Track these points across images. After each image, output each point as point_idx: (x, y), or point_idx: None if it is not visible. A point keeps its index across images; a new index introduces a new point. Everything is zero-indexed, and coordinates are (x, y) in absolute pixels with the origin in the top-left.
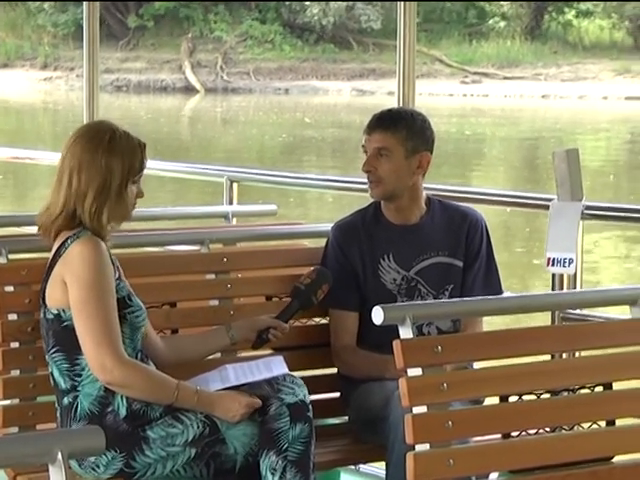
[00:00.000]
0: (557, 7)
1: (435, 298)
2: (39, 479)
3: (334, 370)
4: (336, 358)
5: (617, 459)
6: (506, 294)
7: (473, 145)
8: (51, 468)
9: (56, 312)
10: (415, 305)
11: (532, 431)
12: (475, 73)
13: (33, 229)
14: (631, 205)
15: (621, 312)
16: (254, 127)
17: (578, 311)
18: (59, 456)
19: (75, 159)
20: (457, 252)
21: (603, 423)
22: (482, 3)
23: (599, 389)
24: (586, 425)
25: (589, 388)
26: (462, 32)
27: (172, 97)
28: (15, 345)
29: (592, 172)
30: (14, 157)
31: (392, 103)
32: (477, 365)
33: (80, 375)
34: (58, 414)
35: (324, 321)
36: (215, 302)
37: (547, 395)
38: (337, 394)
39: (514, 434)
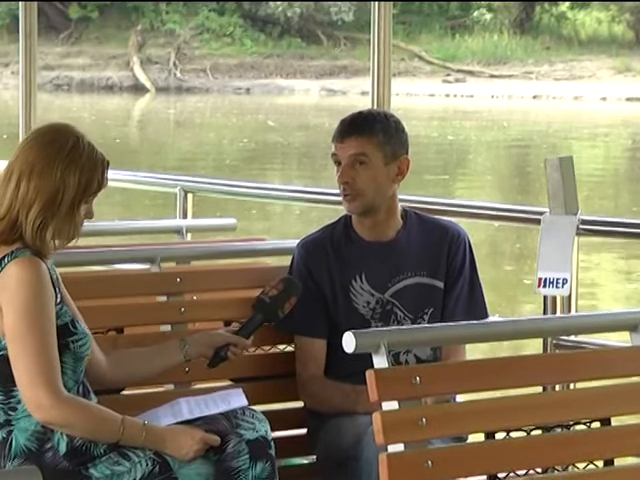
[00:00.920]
0: None
1: (413, 323)
2: None
3: (300, 403)
4: (302, 390)
5: None
6: (492, 318)
7: (456, 151)
8: None
9: None
10: (391, 331)
11: (521, 472)
12: (458, 71)
13: None
14: (633, 220)
15: (620, 339)
16: (211, 131)
17: (573, 338)
18: None
19: (28, 162)
20: (437, 271)
21: (600, 463)
22: None
23: (596, 425)
24: (581, 465)
25: (585, 424)
26: (444, 25)
27: (119, 97)
28: None
29: (589, 182)
30: None
31: (366, 104)
32: (460, 398)
33: (15, 409)
34: None
35: (289, 348)
36: (167, 327)
37: (538, 432)
38: (303, 430)
39: (501, 475)
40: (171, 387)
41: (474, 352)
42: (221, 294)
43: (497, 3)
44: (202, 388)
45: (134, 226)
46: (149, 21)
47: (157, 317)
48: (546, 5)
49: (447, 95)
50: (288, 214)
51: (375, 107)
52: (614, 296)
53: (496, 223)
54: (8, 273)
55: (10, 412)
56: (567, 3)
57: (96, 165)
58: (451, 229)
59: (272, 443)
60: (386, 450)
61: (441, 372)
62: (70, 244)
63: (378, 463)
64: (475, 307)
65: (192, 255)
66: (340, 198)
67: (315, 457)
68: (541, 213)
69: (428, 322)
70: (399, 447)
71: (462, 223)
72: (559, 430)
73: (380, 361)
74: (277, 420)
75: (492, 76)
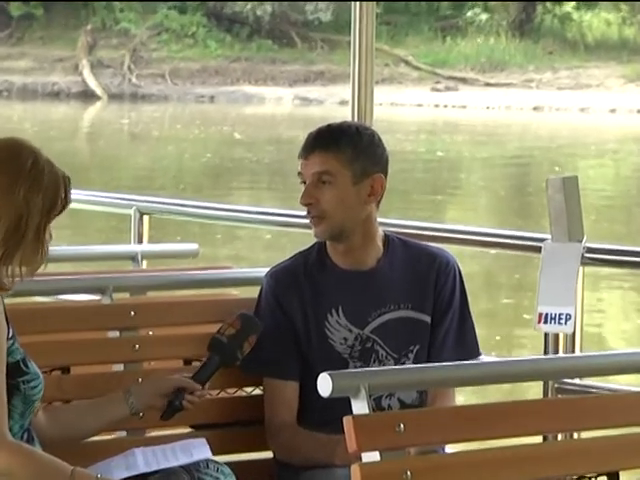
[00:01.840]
0: None
1: (397, 363)
2: None
3: (269, 454)
4: (272, 439)
5: None
6: (486, 358)
7: (447, 169)
8: None
9: None
10: (371, 372)
11: None
12: (449, 78)
13: None
14: None
15: (631, 382)
16: (170, 144)
17: (577, 381)
18: None
19: None
20: (423, 304)
21: None
22: None
23: (603, 479)
24: None
25: (590, 478)
26: (433, 26)
27: (66, 105)
28: None
29: (596, 205)
30: None
31: (345, 115)
32: (449, 448)
33: None
34: None
35: (257, 391)
36: (119, 367)
37: None
38: None
39: None
40: (123, 434)
41: (464, 395)
42: (181, 329)
43: (493, 2)
44: (158, 436)
45: (83, 252)
46: (101, 20)
47: (108, 355)
48: (548, 5)
49: (436, 105)
50: (257, 239)
51: (355, 118)
52: (624, 334)
53: (492, 251)
54: None
55: None
56: (572, 3)
57: (57, 182)
58: (439, 256)
59: None
60: None
61: (428, 419)
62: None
63: None
64: (466, 345)
65: (148, 285)
66: None
67: None
68: (542, 240)
69: (413, 362)
70: None
71: (453, 250)
72: None
73: (360, 406)
74: (244, 473)
75: (487, 84)
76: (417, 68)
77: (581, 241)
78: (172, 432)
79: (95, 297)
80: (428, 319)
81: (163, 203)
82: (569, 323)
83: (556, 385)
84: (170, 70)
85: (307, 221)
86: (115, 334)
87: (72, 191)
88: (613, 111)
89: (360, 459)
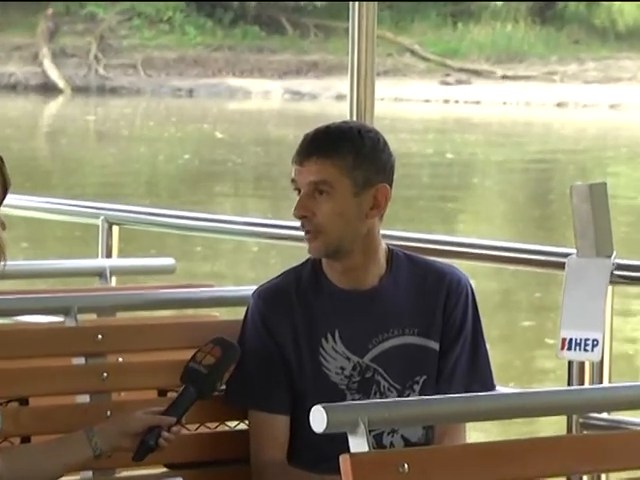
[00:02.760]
0: None
1: (400, 395)
2: None
3: None
4: (259, 478)
5: None
6: (501, 389)
7: (458, 174)
8: None
9: None
10: (371, 405)
11: None
12: (461, 70)
13: None
14: None
15: None
16: (143, 144)
17: (605, 415)
18: None
19: None
20: (431, 329)
21: None
22: None
23: None
24: None
25: None
26: (442, 11)
27: (24, 99)
28: None
29: (628, 215)
30: None
31: (342, 111)
32: None
33: None
34: None
35: (242, 426)
36: (85, 398)
37: None
38: None
39: None
40: (89, 475)
41: (484, 433)
42: (155, 355)
43: None
44: (129, 476)
45: (42, 267)
46: (64, 3)
47: (72, 385)
48: None
49: (446, 101)
50: (242, 253)
51: (354, 115)
52: None
53: (510, 267)
54: None
55: None
56: None
57: None
58: (449, 274)
59: None
60: None
61: (435, 458)
62: None
63: None
64: (479, 375)
65: (117, 305)
66: None
67: None
68: (566, 255)
69: (419, 394)
70: None
71: (465, 267)
72: None
73: (358, 443)
74: None
75: (504, 77)
76: (424, 58)
77: (610, 256)
78: (145, 472)
79: (57, 319)
80: (436, 346)
81: (135, 212)
82: (596, 350)
83: (581, 420)
84: (143, 60)
85: (299, 233)
86: (80, 361)
87: (31, 198)
88: None
89: None
